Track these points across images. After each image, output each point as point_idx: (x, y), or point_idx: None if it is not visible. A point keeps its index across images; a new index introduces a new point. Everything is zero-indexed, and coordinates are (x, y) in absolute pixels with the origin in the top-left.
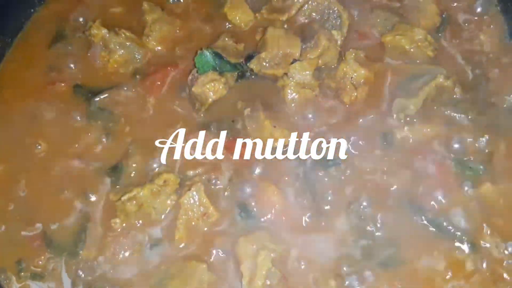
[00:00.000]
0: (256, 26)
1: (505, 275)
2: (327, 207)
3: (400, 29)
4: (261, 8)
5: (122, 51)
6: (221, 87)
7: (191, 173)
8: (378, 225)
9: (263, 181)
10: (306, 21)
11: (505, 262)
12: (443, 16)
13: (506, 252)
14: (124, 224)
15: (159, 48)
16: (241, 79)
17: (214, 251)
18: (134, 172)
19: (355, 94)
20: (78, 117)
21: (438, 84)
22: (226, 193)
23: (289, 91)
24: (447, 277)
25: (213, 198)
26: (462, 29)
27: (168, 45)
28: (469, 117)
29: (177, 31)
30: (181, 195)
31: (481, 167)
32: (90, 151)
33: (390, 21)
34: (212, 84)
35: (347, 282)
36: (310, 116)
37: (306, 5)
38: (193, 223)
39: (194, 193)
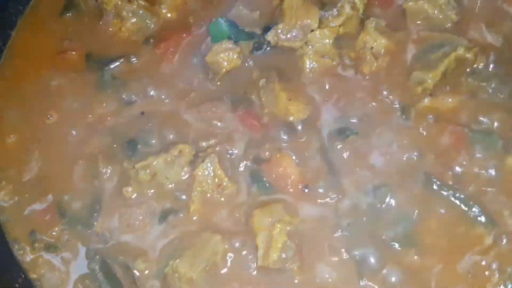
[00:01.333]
0: None
1: None
2: (344, 180)
3: None
4: None
5: (135, 19)
6: (235, 57)
7: (204, 144)
8: (394, 197)
9: (278, 152)
10: None
11: None
12: None
13: None
14: (136, 194)
15: (172, 16)
16: (258, 51)
17: (229, 223)
18: (149, 142)
19: (375, 64)
20: (91, 87)
21: (458, 56)
22: (241, 164)
23: (307, 60)
24: (465, 250)
25: (228, 170)
26: None
27: (181, 13)
28: (491, 88)
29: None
30: (195, 166)
31: (502, 141)
32: (103, 121)
33: None
34: (226, 53)
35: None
36: (328, 87)
37: None
38: (208, 195)
39: (209, 164)
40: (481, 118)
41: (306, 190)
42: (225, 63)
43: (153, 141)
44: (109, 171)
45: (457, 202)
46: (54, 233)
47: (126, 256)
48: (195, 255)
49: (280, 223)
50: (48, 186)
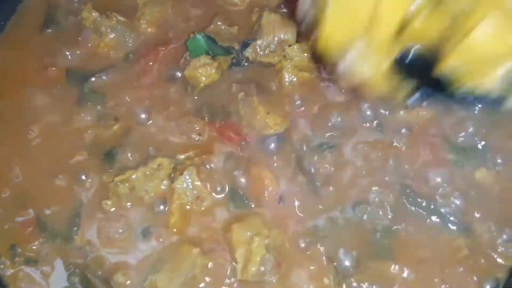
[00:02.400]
0: (252, 6)
1: (499, 260)
2: (322, 192)
3: None
4: None
5: (113, 34)
6: (213, 71)
7: (182, 157)
8: (371, 210)
9: (256, 165)
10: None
11: (499, 248)
12: None
13: (499, 236)
14: (114, 208)
15: (152, 30)
16: (236, 66)
17: (208, 236)
18: (128, 156)
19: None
20: (71, 101)
21: None
22: (218, 177)
23: (286, 74)
24: (439, 260)
25: (206, 182)
26: None
27: (160, 28)
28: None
29: (166, 14)
30: (174, 179)
31: (476, 151)
32: (83, 135)
33: None
34: (204, 68)
35: (344, 264)
36: (306, 100)
37: None
38: (187, 207)
39: (187, 177)
40: (455, 131)
41: (282, 204)
42: (203, 78)
43: (132, 154)
44: (88, 184)
45: (432, 213)
46: (34, 247)
47: (106, 269)
48: (174, 269)
49: (258, 237)
50: (29, 200)
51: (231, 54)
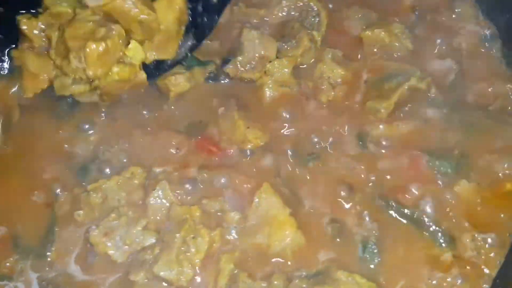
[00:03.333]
0: (233, 22)
1: (482, 267)
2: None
3: (379, 24)
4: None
5: None
6: (182, 81)
7: (157, 170)
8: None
9: (234, 177)
10: (284, 18)
11: (483, 255)
12: (416, 13)
13: (483, 245)
14: (86, 220)
15: None
16: (213, 80)
17: None
18: (104, 168)
19: (333, 93)
20: (48, 115)
21: (411, 86)
22: (191, 190)
23: (267, 89)
24: (426, 270)
25: (181, 197)
26: (438, 26)
27: None
28: (443, 114)
29: None
30: (148, 193)
31: (456, 164)
32: (60, 149)
33: (368, 17)
34: (174, 77)
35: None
36: (287, 115)
37: (284, 1)
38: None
39: (160, 192)
40: (433, 143)
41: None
42: (172, 87)
43: (107, 168)
44: (62, 199)
45: (414, 223)
46: (8, 263)
47: (77, 285)
48: (148, 285)
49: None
50: (2, 217)
51: (207, 66)
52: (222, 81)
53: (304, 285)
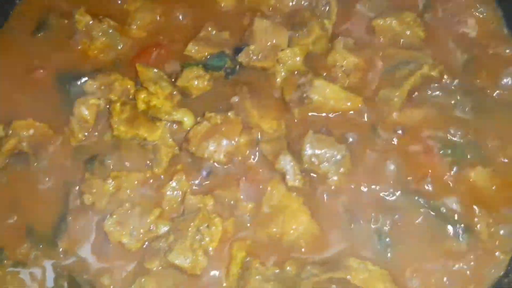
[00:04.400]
0: (244, 10)
1: (497, 253)
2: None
3: (390, 13)
4: None
5: (104, 38)
6: (205, 83)
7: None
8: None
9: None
10: (294, 7)
11: (497, 241)
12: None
13: (498, 231)
14: (96, 207)
15: (143, 35)
16: (231, 75)
17: None
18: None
19: (347, 81)
20: (59, 105)
21: (423, 74)
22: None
23: (279, 78)
24: (441, 257)
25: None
26: (450, 12)
27: (150, 32)
28: (457, 101)
29: (157, 19)
30: (163, 185)
31: (471, 150)
32: (73, 140)
33: (379, 4)
34: (196, 81)
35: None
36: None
37: None
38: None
39: (175, 183)
40: (448, 131)
41: None
42: (195, 90)
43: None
44: (76, 190)
45: (429, 211)
46: (23, 250)
47: (91, 273)
48: (162, 273)
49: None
50: (16, 204)
51: (224, 63)
52: (237, 73)
53: (316, 272)
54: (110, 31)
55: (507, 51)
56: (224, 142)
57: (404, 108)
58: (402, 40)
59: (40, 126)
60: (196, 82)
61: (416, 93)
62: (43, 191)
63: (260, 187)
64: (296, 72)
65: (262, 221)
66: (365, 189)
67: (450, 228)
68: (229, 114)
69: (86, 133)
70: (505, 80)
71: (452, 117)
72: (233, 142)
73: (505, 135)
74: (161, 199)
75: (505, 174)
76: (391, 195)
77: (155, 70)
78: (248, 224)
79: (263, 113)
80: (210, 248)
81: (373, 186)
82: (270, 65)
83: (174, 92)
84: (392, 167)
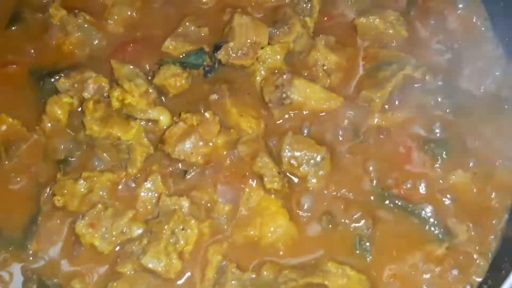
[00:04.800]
0: (224, 6)
1: (474, 256)
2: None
3: (373, 11)
4: None
5: (79, 33)
6: (183, 82)
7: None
8: (349, 214)
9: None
10: (276, 4)
11: (477, 246)
12: None
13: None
14: (67, 208)
15: (119, 30)
16: (210, 73)
17: None
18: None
19: (328, 81)
20: (32, 102)
21: (406, 75)
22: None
23: (259, 76)
24: (420, 261)
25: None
26: (430, 11)
27: (127, 28)
28: (438, 102)
29: (134, 14)
30: (138, 184)
31: (452, 152)
32: (44, 139)
33: (361, 2)
34: (173, 79)
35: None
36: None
37: None
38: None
39: (150, 184)
40: (429, 132)
41: None
42: (173, 89)
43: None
44: (47, 192)
45: (409, 214)
46: None
47: (62, 276)
48: (135, 277)
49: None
50: None
51: (203, 61)
52: (216, 71)
53: (293, 276)
54: (86, 25)
55: (491, 50)
56: (201, 143)
57: (385, 109)
58: (384, 39)
59: (13, 123)
60: (173, 81)
61: (397, 94)
62: (14, 192)
63: (238, 189)
64: (276, 71)
65: (240, 223)
66: (345, 192)
67: (430, 231)
68: (206, 114)
69: (58, 132)
70: (488, 81)
71: (434, 118)
72: (210, 143)
73: (487, 137)
74: (135, 200)
75: (486, 178)
76: (371, 198)
77: (131, 67)
78: (225, 227)
79: (242, 111)
80: (186, 251)
81: (353, 189)
82: (250, 63)
83: (150, 90)
84: (372, 169)
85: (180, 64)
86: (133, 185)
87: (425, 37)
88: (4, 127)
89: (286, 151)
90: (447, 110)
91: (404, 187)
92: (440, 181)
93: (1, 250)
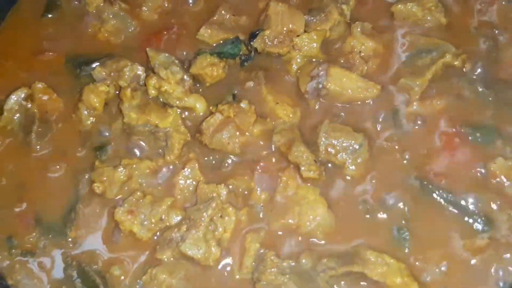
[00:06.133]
0: None
1: None
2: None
3: None
4: None
5: (115, 21)
6: (220, 71)
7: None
8: (387, 202)
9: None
10: None
11: None
12: None
13: None
14: (106, 195)
15: (153, 18)
16: (247, 61)
17: None
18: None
19: (366, 68)
20: (68, 88)
21: (446, 63)
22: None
23: (295, 64)
24: (462, 248)
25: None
26: None
27: (162, 15)
28: (478, 92)
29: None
30: (175, 172)
31: (491, 141)
32: (81, 126)
33: None
34: (210, 68)
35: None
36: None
37: None
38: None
39: (189, 171)
40: (468, 121)
41: None
42: (210, 78)
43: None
44: (86, 178)
45: (448, 203)
46: (31, 239)
47: (101, 263)
48: (174, 264)
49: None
50: (25, 192)
51: (237, 56)
52: (252, 59)
53: (332, 264)
54: (121, 13)
55: None
56: (237, 133)
57: (424, 97)
58: (422, 26)
59: (56, 98)
60: (210, 70)
61: (437, 82)
62: (52, 179)
63: (274, 177)
64: (313, 60)
65: (277, 212)
66: (383, 180)
67: (470, 221)
68: (242, 104)
69: (94, 120)
70: None
71: (473, 107)
72: (246, 133)
73: None
74: (173, 188)
75: None
76: (410, 186)
77: (166, 54)
78: (261, 215)
79: (278, 99)
80: (224, 239)
81: (391, 177)
82: (286, 51)
83: (186, 77)
84: (411, 157)
85: (216, 54)
86: (171, 172)
87: (464, 24)
88: (45, 97)
89: (323, 139)
90: (489, 99)
91: (444, 176)
92: (480, 170)
93: (41, 237)
